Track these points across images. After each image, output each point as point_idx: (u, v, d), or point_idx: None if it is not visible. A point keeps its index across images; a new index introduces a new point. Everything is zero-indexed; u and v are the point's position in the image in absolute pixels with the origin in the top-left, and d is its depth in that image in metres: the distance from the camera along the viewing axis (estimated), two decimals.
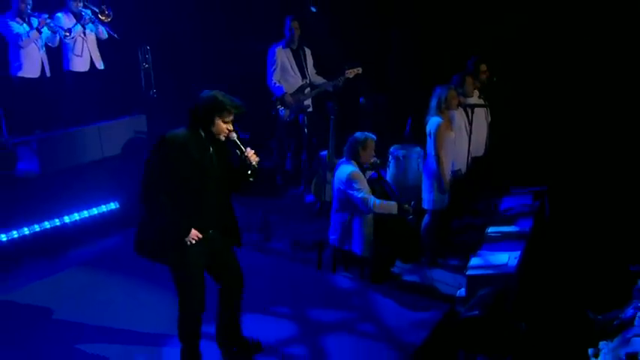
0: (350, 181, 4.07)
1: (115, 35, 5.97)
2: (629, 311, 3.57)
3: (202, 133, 2.89)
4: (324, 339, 3.57)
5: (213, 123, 2.87)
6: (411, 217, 4.17)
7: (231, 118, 2.90)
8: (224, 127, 2.89)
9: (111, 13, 5.80)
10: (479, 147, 5.07)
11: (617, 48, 5.61)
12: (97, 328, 3.65)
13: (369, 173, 4.36)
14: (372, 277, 4.30)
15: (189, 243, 2.90)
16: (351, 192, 4.07)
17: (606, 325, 3.69)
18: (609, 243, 4.48)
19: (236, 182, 3.08)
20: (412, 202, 4.31)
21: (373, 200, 4.02)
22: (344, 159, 4.24)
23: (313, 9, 6.04)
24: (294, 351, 3.45)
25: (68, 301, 3.98)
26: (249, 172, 2.99)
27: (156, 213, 2.88)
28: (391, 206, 4.06)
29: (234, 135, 2.94)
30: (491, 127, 5.14)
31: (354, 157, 4.17)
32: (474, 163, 4.95)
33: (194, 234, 2.90)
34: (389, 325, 3.74)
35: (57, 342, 3.52)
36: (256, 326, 3.54)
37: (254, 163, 2.97)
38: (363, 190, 4.04)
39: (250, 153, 2.97)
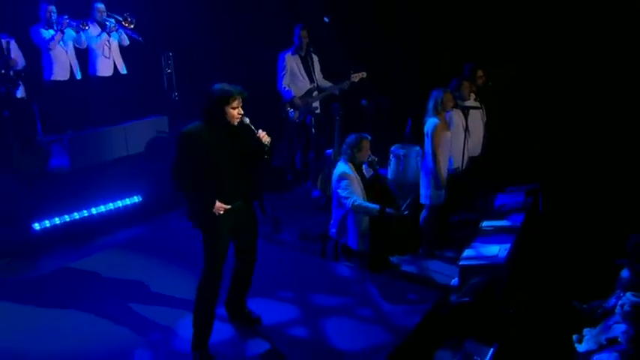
0: (338, 180, 4.16)
1: (140, 39, 6.11)
2: (612, 301, 3.59)
3: (215, 122, 3.08)
4: (326, 321, 3.65)
5: (224, 111, 3.05)
6: (406, 212, 4.21)
7: (237, 103, 3.07)
8: (234, 113, 3.07)
9: (134, 20, 5.94)
10: (476, 147, 5.09)
11: (604, 56, 5.61)
12: (120, 303, 3.83)
13: (370, 172, 4.41)
14: (370, 267, 4.33)
15: (217, 214, 3.11)
16: (338, 190, 4.16)
17: (591, 313, 3.72)
18: (597, 238, 4.49)
19: (254, 160, 3.27)
20: (409, 198, 4.37)
21: (352, 200, 4.06)
22: (341, 159, 4.30)
23: (326, 19, 6.09)
24: (298, 331, 3.55)
25: (96, 280, 4.18)
26: (265, 150, 3.17)
27: (186, 194, 3.14)
28: (370, 209, 4.04)
29: (246, 120, 3.12)
30: (488, 129, 5.17)
31: (350, 158, 4.22)
32: (472, 162, 4.98)
33: (219, 205, 3.11)
34: (385, 310, 3.80)
35: (86, 312, 3.73)
36: (264, 308, 3.66)
37: (266, 142, 3.14)
38: (347, 190, 4.10)
39: (262, 134, 3.15)
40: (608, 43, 5.59)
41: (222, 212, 3.12)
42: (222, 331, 3.47)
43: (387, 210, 3.99)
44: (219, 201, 3.11)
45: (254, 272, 3.51)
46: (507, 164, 5.55)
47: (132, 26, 5.97)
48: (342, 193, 4.12)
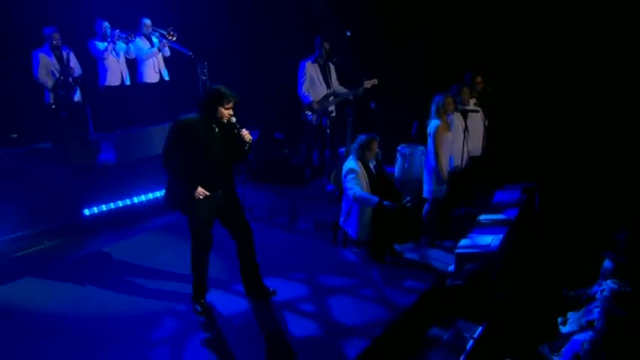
0: (345, 174, 4.30)
1: (184, 50, 6.37)
2: (595, 288, 3.62)
3: (209, 117, 3.27)
4: (332, 299, 3.80)
5: (217, 109, 3.25)
6: (409, 204, 4.31)
7: (230, 105, 3.26)
8: (225, 113, 3.27)
9: (175, 33, 6.25)
10: (476, 147, 5.11)
11: (600, 60, 5.55)
12: (154, 278, 4.09)
13: (374, 163, 4.50)
14: (372, 255, 4.41)
15: (197, 198, 3.27)
16: (345, 184, 4.29)
17: (577, 299, 3.75)
18: (585, 231, 4.48)
19: (236, 155, 3.44)
20: (410, 193, 4.45)
21: (353, 192, 4.18)
22: (351, 156, 4.42)
23: (348, 33, 6.21)
24: (307, 307, 3.70)
25: (135, 258, 4.45)
26: (246, 147, 3.35)
27: (173, 175, 3.31)
28: (367, 199, 4.15)
29: (233, 119, 3.31)
30: (488, 131, 5.19)
31: (360, 156, 4.35)
32: (473, 161, 5.00)
33: (200, 191, 3.28)
34: (385, 290, 3.92)
35: (124, 284, 4.00)
36: (278, 286, 3.83)
37: (247, 140, 3.32)
38: (351, 182, 4.23)
39: (245, 133, 3.32)
40: (602, 48, 5.51)
41: (202, 197, 3.27)
42: (238, 304, 3.66)
43: (385, 203, 4.09)
44: (201, 187, 3.26)
45: (269, 254, 3.70)
46: (506, 164, 5.55)
47: (174, 39, 6.28)
48: (346, 185, 4.25)
